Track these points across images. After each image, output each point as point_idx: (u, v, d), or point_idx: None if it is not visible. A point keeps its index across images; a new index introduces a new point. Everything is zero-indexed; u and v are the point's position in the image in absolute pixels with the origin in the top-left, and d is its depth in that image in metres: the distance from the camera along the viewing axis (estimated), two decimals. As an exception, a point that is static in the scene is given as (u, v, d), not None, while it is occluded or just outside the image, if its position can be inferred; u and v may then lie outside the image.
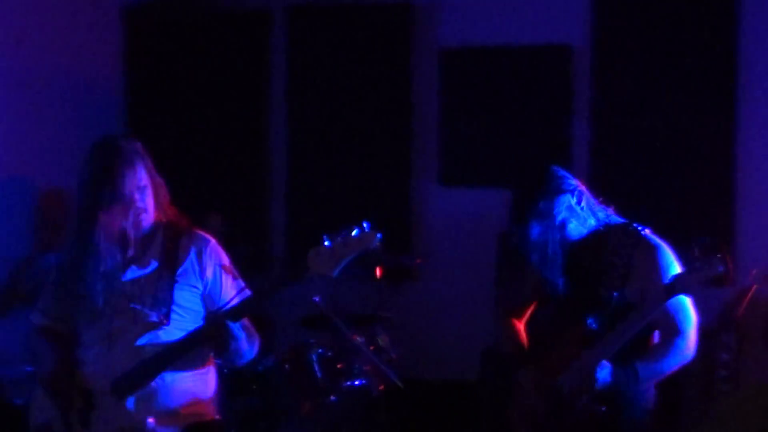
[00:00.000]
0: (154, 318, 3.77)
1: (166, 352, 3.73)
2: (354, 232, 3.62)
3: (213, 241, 3.95)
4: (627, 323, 3.91)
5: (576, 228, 4.03)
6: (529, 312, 4.36)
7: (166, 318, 3.77)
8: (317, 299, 5.62)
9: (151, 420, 3.73)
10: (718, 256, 3.80)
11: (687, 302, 3.98)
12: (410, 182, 7.41)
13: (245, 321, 3.88)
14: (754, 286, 5.86)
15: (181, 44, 7.64)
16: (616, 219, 4.11)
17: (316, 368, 5.57)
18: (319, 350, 5.62)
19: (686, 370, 4.05)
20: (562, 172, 4.08)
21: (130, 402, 3.73)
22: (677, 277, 3.85)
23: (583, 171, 6.80)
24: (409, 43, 7.36)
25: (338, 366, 5.67)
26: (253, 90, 7.72)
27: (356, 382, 5.68)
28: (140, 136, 7.40)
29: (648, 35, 6.83)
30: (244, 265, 4.16)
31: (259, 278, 4.03)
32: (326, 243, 3.62)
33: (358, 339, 5.66)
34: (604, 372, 3.94)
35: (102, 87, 7.41)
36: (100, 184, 3.71)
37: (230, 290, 3.85)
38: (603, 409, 3.99)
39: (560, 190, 4.01)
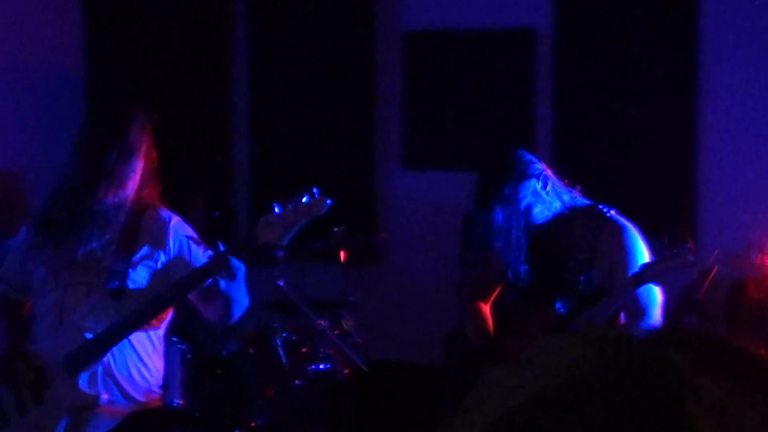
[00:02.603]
0: (107, 290, 3.72)
1: (131, 317, 3.68)
2: (304, 199, 3.59)
3: (177, 216, 3.92)
4: (595, 310, 3.93)
5: (541, 212, 4.03)
6: (494, 295, 4.36)
7: (120, 292, 3.73)
8: (282, 283, 5.62)
9: (105, 396, 3.71)
10: (688, 246, 3.82)
11: (651, 284, 4.01)
12: (374, 166, 7.40)
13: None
14: (716, 268, 5.90)
15: (142, 29, 7.59)
16: (582, 201, 4.11)
17: (281, 352, 5.57)
18: (284, 334, 5.61)
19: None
20: (528, 156, 4.07)
21: (83, 379, 3.70)
22: (646, 266, 3.87)
23: (545, 154, 6.81)
24: (373, 26, 7.34)
25: (303, 350, 5.67)
26: (216, 74, 7.68)
27: (321, 366, 5.68)
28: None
29: (610, 19, 6.85)
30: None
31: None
32: (276, 210, 3.59)
33: (323, 323, 5.66)
34: None
35: (62, 72, 7.35)
36: (110, 137, 3.72)
37: (202, 258, 3.79)
38: None
39: (525, 175, 4.00)
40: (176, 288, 3.67)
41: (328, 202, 3.60)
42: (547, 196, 4.01)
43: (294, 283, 5.69)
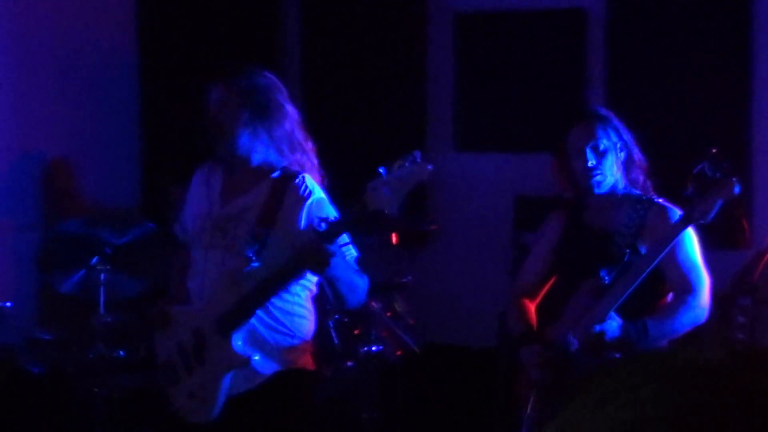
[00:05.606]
0: (245, 256, 3.81)
1: (264, 284, 3.76)
2: (407, 163, 3.56)
3: (321, 194, 4.00)
4: (636, 267, 3.97)
5: (604, 179, 4.25)
6: (544, 291, 4.40)
7: (258, 255, 3.81)
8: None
9: (256, 358, 3.79)
10: (732, 177, 3.86)
11: (699, 263, 4.06)
12: (425, 148, 7.39)
13: (352, 260, 3.88)
14: (771, 249, 5.85)
15: (194, 6, 7.63)
16: (635, 191, 4.23)
17: (333, 334, 5.60)
18: (336, 316, 5.64)
19: (703, 332, 4.07)
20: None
21: (235, 340, 3.78)
22: (692, 205, 3.93)
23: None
24: (425, 8, 7.33)
25: (355, 332, 5.69)
26: (267, 54, 7.70)
27: (373, 348, 5.71)
28: (154, 104, 7.43)
29: (663, -2, 6.79)
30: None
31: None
32: (383, 175, 3.57)
33: (375, 305, 5.68)
34: (614, 325, 3.97)
35: (113, 56, 7.38)
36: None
37: None
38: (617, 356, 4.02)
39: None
40: (280, 273, 3.75)
41: (429, 166, 3.58)
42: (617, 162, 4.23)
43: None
